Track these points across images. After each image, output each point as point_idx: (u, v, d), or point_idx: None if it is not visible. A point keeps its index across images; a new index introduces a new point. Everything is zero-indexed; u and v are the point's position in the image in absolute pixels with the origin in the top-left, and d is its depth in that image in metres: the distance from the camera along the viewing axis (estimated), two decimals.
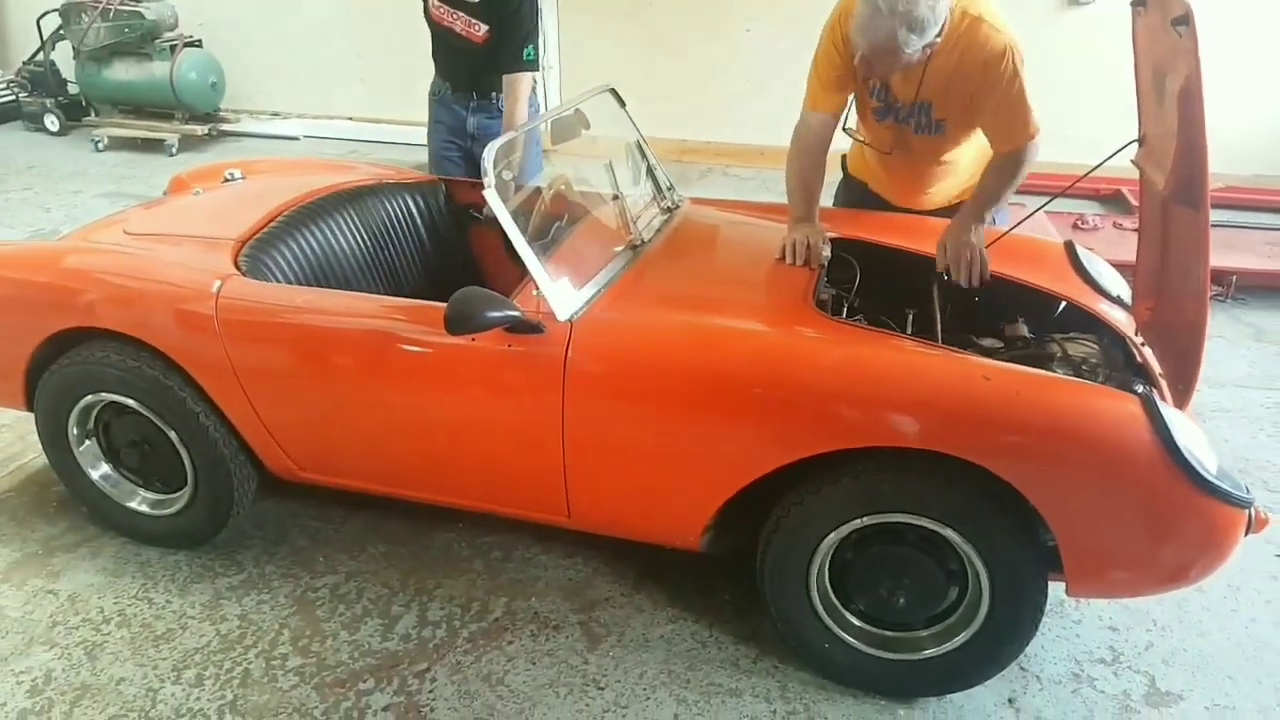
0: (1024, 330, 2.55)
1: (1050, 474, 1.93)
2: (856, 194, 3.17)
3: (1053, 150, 6.21)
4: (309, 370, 2.39)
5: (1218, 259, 4.52)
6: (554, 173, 2.61)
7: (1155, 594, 2.11)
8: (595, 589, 2.58)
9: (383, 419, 2.38)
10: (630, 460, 2.21)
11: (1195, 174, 2.03)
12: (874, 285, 2.75)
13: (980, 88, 2.54)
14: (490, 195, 2.12)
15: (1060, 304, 2.75)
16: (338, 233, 2.82)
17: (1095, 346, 2.50)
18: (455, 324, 2.06)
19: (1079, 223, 5.00)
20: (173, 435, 2.52)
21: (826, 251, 2.56)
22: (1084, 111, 6.10)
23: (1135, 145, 2.54)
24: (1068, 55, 6.10)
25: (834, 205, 3.31)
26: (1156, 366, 2.39)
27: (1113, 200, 5.89)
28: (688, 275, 2.51)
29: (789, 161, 2.72)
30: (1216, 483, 1.86)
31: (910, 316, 2.68)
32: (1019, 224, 2.77)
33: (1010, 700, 2.26)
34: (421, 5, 3.53)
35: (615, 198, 2.59)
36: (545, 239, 2.29)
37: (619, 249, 2.48)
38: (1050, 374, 2.13)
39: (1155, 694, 2.29)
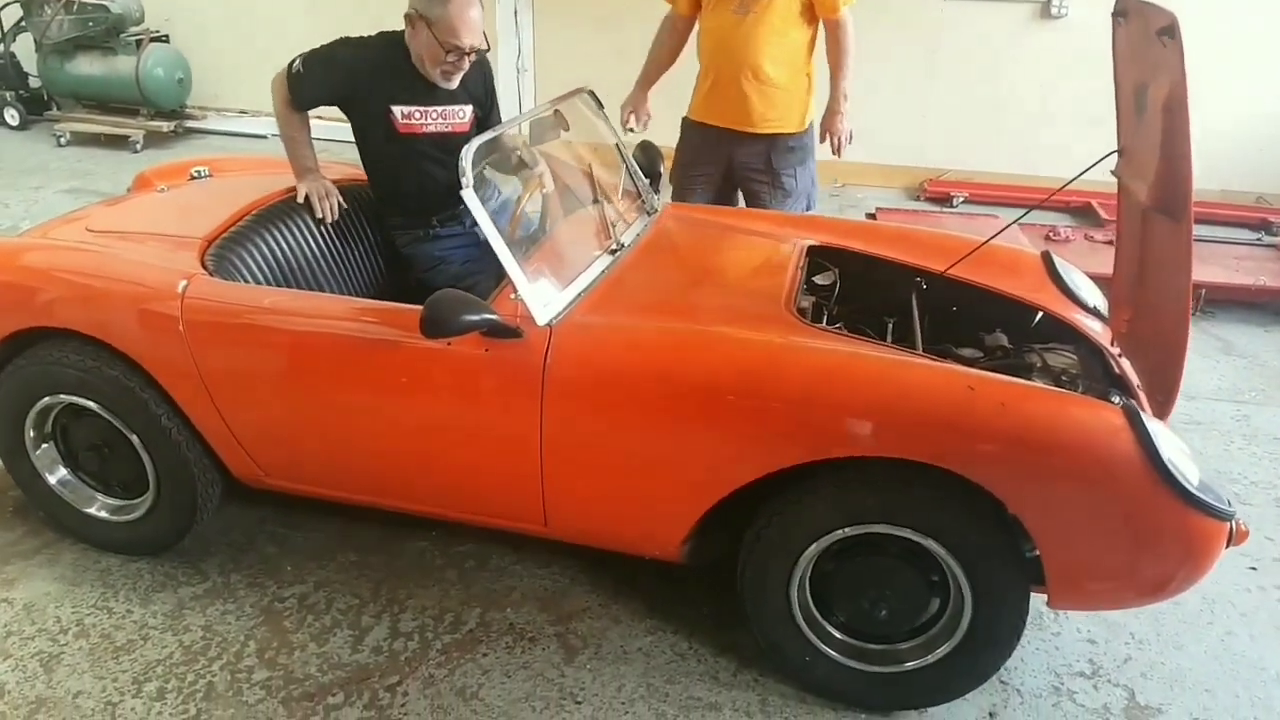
0: (1003, 340, 2.54)
1: (1034, 486, 1.92)
2: (697, 137, 3.56)
3: (1025, 161, 6.35)
4: (277, 374, 2.32)
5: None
6: (532, 175, 2.56)
7: (1136, 606, 2.12)
8: (572, 599, 2.53)
9: (354, 425, 2.31)
10: (609, 469, 2.16)
11: (1178, 186, 2.02)
12: (854, 293, 2.74)
13: None
14: (469, 197, 2.07)
15: (1038, 314, 2.75)
16: (307, 233, 2.75)
17: (1074, 357, 2.49)
18: (432, 328, 2.01)
19: (1051, 234, 5.04)
20: (134, 439, 2.44)
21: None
22: (1057, 123, 6.18)
23: (1114, 156, 2.53)
24: (1042, 66, 6.16)
25: (676, 157, 3.54)
26: (1135, 378, 2.39)
27: (1083, 212, 5.94)
28: (667, 280, 2.47)
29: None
30: (1199, 495, 1.85)
31: (890, 325, 2.66)
32: (996, 235, 2.76)
33: (991, 714, 2.24)
34: (365, 137, 2.81)
35: (595, 201, 2.55)
36: (524, 242, 2.24)
37: (597, 253, 2.43)
38: (1033, 384, 2.11)
39: (1135, 708, 2.28)
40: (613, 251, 2.46)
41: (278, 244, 2.64)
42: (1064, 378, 2.37)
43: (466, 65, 2.68)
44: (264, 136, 7.38)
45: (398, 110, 2.72)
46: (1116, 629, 2.51)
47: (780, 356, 2.07)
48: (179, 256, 2.43)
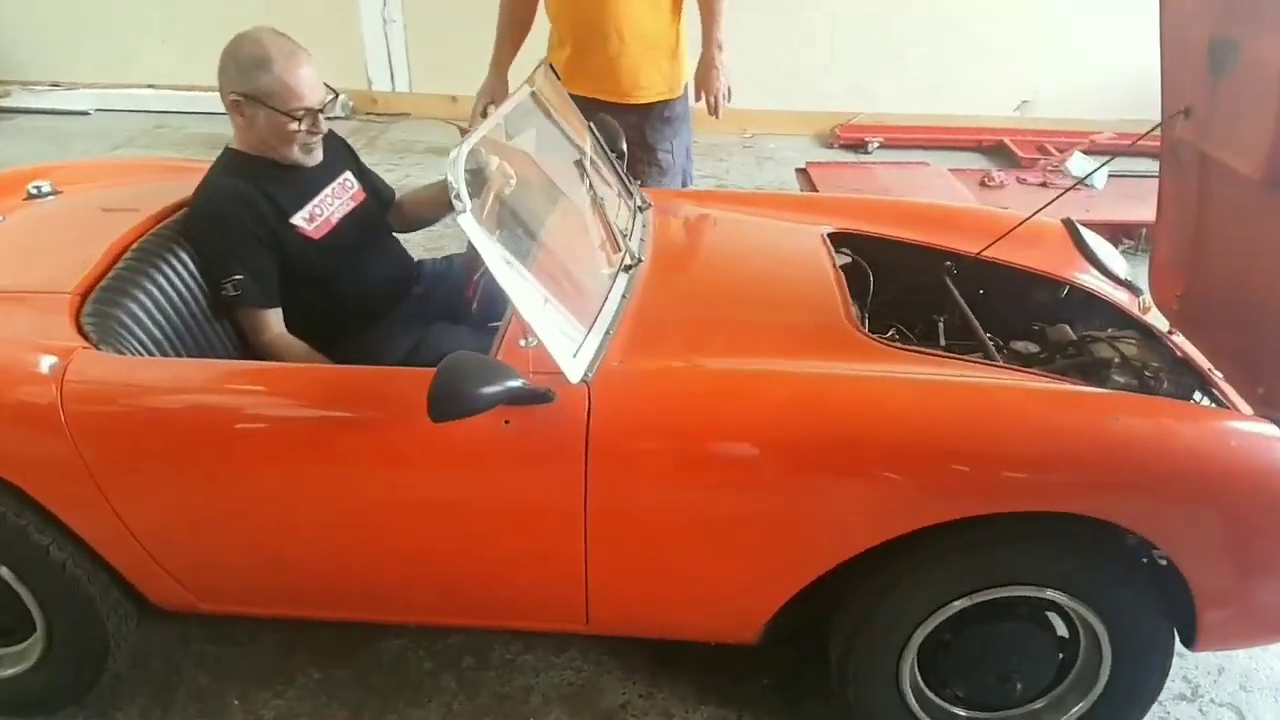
0: (1069, 334, 2.21)
1: (1195, 528, 1.62)
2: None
3: (935, 100, 6.13)
4: (205, 471, 1.73)
5: (1125, 212, 4.49)
6: (508, 174, 2.01)
7: None
8: (606, 694, 2.06)
9: (319, 529, 1.77)
10: (677, 549, 1.71)
11: None
12: (883, 287, 2.36)
13: None
14: (467, 223, 1.53)
15: (1064, 289, 2.45)
16: None
17: (1143, 346, 2.19)
18: (445, 405, 1.48)
19: (986, 180, 4.81)
20: (3, 572, 1.80)
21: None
22: (965, 60, 5.98)
23: (1180, 118, 2.20)
24: (955, 5, 5.91)
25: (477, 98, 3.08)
26: (1199, 360, 2.12)
27: (996, 151, 5.78)
28: (699, 298, 2.01)
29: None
30: None
31: (941, 324, 2.30)
32: (1036, 214, 2.42)
33: None
34: (290, 272, 2.14)
35: (595, 204, 2.03)
36: (523, 269, 1.71)
37: (610, 272, 1.94)
38: (1169, 402, 1.81)
39: None
40: (628, 268, 1.96)
41: (173, 290, 2.00)
42: (1146, 373, 2.06)
43: (324, 127, 2.16)
44: (86, 113, 6.35)
45: (299, 219, 2.15)
46: None
47: (889, 399, 1.66)
48: (46, 322, 1.78)
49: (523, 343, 1.63)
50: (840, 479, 1.61)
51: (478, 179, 1.86)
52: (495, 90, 3.05)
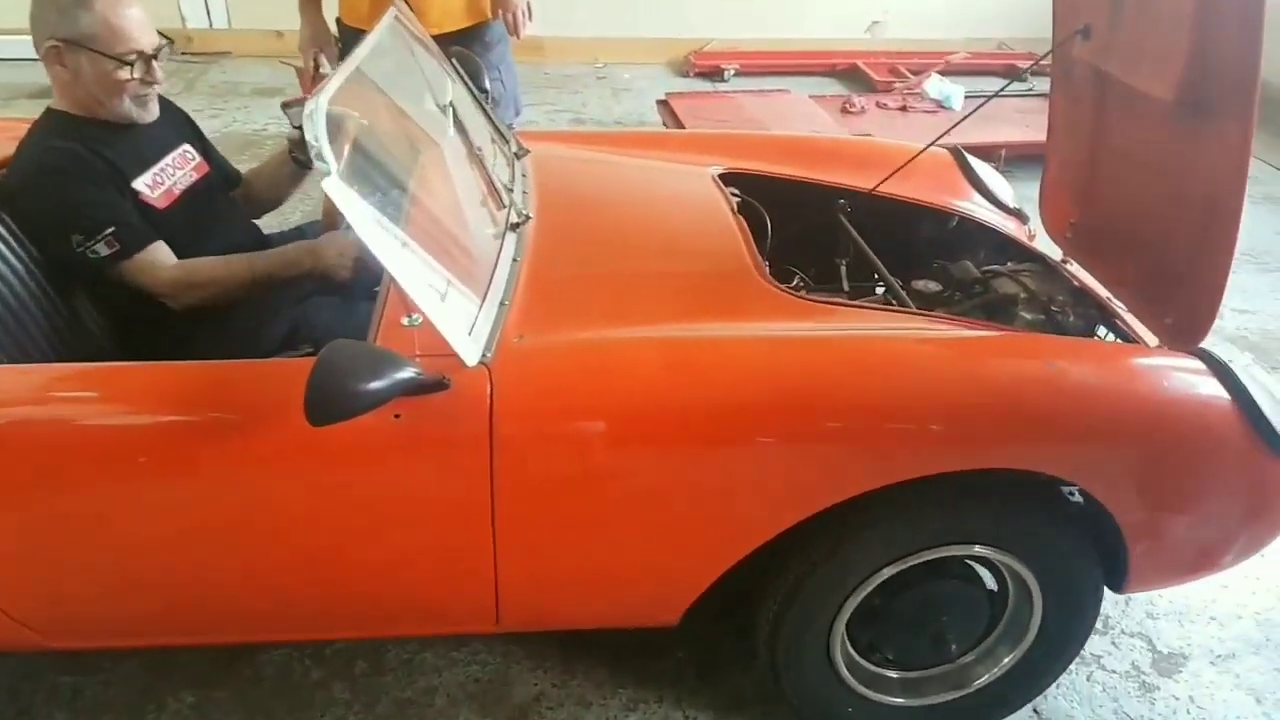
0: (973, 270, 2.14)
1: (1130, 471, 1.58)
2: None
3: (786, 23, 6.03)
4: (40, 493, 1.45)
5: (982, 134, 4.51)
6: (362, 124, 1.73)
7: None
8: (517, 687, 1.91)
9: (181, 547, 1.52)
10: (596, 540, 1.55)
11: (1236, 78, 1.65)
12: (780, 229, 2.23)
13: None
14: (334, 187, 1.29)
15: (954, 220, 2.41)
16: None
17: (1044, 279, 2.16)
18: (325, 407, 1.25)
19: (848, 105, 4.75)
20: None
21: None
22: None
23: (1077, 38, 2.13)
24: None
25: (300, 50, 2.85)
26: (1101, 291, 2.10)
27: (850, 76, 5.74)
28: (597, 255, 1.82)
29: None
30: None
31: (844, 267, 2.20)
32: (931, 144, 2.34)
33: (1036, 711, 1.94)
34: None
35: (471, 155, 1.79)
36: (401, 236, 1.48)
37: (496, 232, 1.72)
38: (1094, 344, 1.78)
39: (1161, 659, 2.08)
40: (514, 226, 1.75)
41: None
42: (1053, 307, 2.03)
43: (160, 77, 1.86)
44: None
45: (141, 185, 1.86)
46: None
47: (813, 361, 1.53)
48: None
49: (405, 321, 1.43)
50: (765, 451, 1.48)
51: (335, 132, 1.60)
52: (318, 34, 2.77)
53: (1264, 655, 2.10)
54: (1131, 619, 2.17)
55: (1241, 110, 1.61)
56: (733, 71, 5.68)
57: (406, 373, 1.32)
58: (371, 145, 1.48)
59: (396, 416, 1.38)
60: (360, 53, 1.57)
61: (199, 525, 1.48)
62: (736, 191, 2.26)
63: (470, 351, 1.40)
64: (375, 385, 1.28)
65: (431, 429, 1.41)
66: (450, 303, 1.43)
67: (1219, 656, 2.09)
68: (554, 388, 1.47)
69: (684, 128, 4.27)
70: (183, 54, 5.85)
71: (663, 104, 4.66)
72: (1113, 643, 2.12)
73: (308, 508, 1.48)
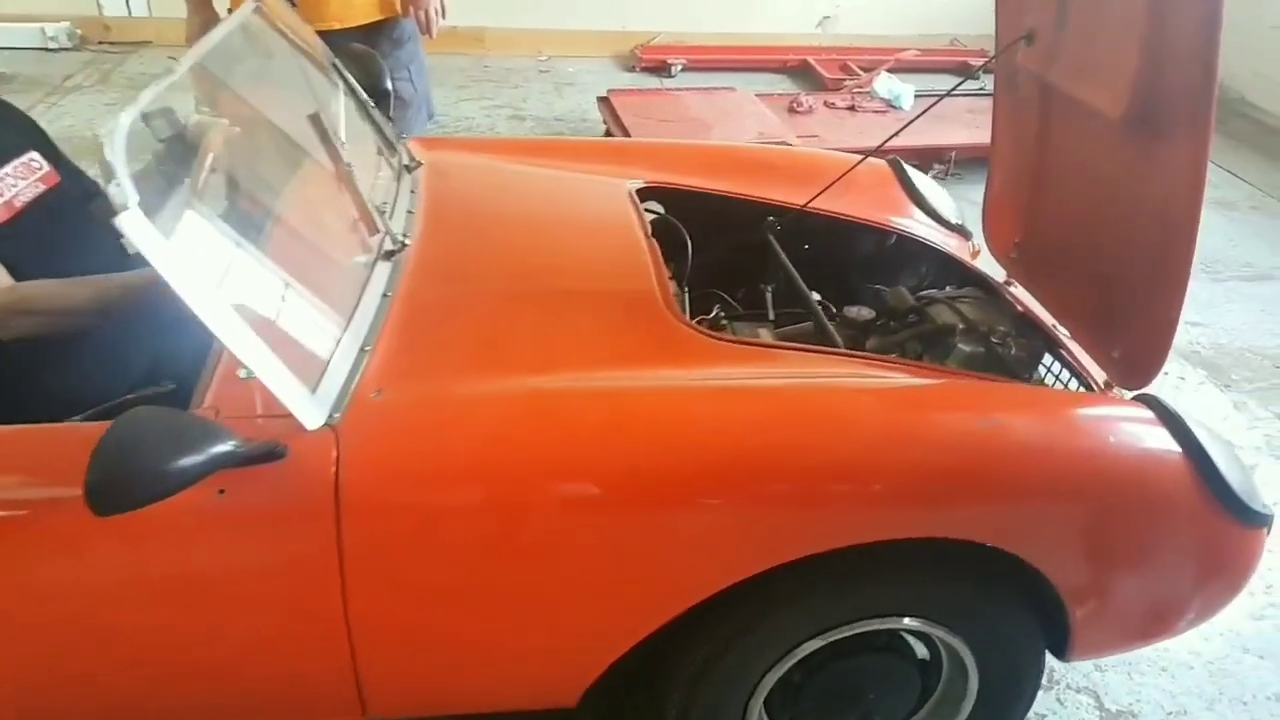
0: (908, 298, 1.96)
1: (1073, 538, 1.43)
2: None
3: (733, 17, 5.85)
4: None
5: (933, 135, 4.34)
6: (218, 136, 1.51)
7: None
8: None
9: None
10: (473, 621, 1.35)
11: (1194, 90, 1.48)
12: (702, 249, 2.04)
13: None
14: (130, 224, 1.06)
15: (892, 238, 2.25)
16: None
17: (984, 306, 1.99)
18: (114, 494, 1.04)
19: (795, 105, 4.57)
20: None
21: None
22: None
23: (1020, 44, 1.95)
24: None
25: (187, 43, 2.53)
26: (1045, 316, 1.95)
27: (800, 72, 5.56)
28: (483, 292, 1.59)
29: None
30: (1258, 510, 1.43)
31: (769, 294, 2.01)
32: (870, 154, 2.17)
33: None
34: None
35: (341, 173, 1.57)
36: (225, 280, 1.26)
37: (365, 261, 1.51)
38: (1037, 391, 1.61)
39: (1109, 716, 1.93)
40: (389, 254, 1.54)
41: None
42: (993, 338, 1.86)
43: None
44: None
45: None
46: None
47: (721, 411, 1.35)
48: None
49: (242, 373, 1.21)
50: (667, 521, 1.29)
51: (187, 148, 1.38)
52: (209, 25, 2.47)
53: (1216, 711, 1.95)
54: (1078, 671, 2.02)
55: (1197, 131, 1.45)
56: (680, 67, 5.47)
57: (225, 445, 1.10)
58: (189, 169, 1.26)
59: (221, 492, 1.17)
60: (192, 55, 1.34)
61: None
62: (657, 208, 2.07)
63: (311, 415, 1.20)
64: (184, 463, 1.06)
65: (264, 504, 1.20)
66: (291, 355, 1.21)
67: (1170, 714, 1.94)
68: (413, 450, 1.27)
69: (625, 126, 4.07)
70: (99, 43, 5.51)
71: (604, 101, 4.44)
72: (1058, 699, 1.96)
73: (126, 599, 1.26)
